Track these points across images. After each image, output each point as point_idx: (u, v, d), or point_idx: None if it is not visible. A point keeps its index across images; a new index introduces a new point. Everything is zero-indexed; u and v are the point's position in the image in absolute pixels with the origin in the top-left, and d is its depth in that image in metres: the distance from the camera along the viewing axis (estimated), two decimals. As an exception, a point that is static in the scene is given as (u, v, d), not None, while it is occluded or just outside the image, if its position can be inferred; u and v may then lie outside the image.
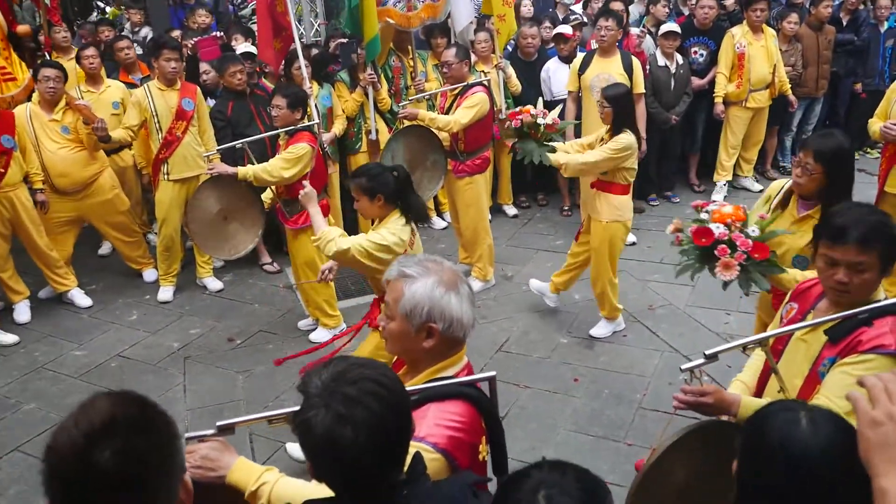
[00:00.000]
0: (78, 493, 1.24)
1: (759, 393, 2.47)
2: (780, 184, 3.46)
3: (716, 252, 2.92)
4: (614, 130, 4.71)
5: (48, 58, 6.43)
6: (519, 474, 1.42)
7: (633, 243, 6.59)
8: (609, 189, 4.86)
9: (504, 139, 5.51)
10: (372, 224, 3.78)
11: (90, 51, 6.30)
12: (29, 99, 6.04)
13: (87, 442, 1.25)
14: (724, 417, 2.28)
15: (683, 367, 2.18)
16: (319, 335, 5.37)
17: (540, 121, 4.82)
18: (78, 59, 6.40)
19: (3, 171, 5.43)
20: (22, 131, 5.59)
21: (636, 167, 4.89)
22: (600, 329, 5.25)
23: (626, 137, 4.67)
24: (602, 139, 4.82)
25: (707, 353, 2.13)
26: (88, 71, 6.29)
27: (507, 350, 5.16)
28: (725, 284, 2.95)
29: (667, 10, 7.63)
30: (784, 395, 2.27)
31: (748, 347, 2.18)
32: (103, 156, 6.10)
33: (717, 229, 2.93)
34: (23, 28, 6.71)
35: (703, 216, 3.03)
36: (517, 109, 4.96)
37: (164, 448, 1.33)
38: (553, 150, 4.79)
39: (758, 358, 2.63)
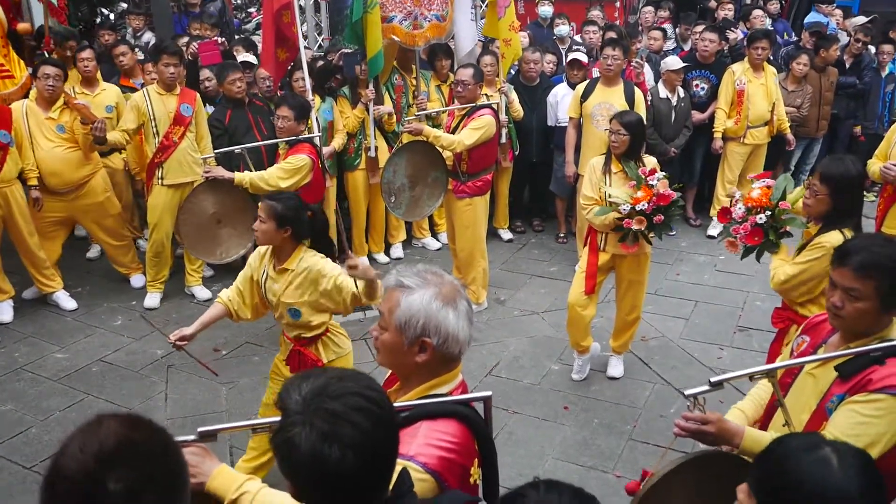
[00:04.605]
0: None
1: (764, 426, 2.40)
2: None
3: (731, 230, 3.62)
4: (629, 156, 4.52)
5: (48, 56, 6.36)
6: (514, 495, 1.38)
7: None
8: None
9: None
10: (275, 252, 3.58)
11: (86, 53, 6.22)
12: (26, 96, 5.96)
13: (100, 467, 1.18)
14: (725, 448, 2.22)
15: (687, 392, 2.12)
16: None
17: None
18: (74, 60, 6.31)
19: None
20: (18, 127, 5.53)
21: None
22: (618, 367, 5.10)
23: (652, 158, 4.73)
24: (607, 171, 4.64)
25: (712, 380, 2.08)
26: (84, 73, 6.20)
27: (496, 374, 5.09)
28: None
29: (661, 41, 7.86)
30: (789, 430, 2.21)
31: (755, 377, 2.12)
32: (97, 157, 6.01)
33: (738, 211, 3.57)
34: (23, 26, 6.64)
35: (737, 194, 3.67)
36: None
37: (176, 475, 1.27)
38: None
39: (761, 389, 2.57)
